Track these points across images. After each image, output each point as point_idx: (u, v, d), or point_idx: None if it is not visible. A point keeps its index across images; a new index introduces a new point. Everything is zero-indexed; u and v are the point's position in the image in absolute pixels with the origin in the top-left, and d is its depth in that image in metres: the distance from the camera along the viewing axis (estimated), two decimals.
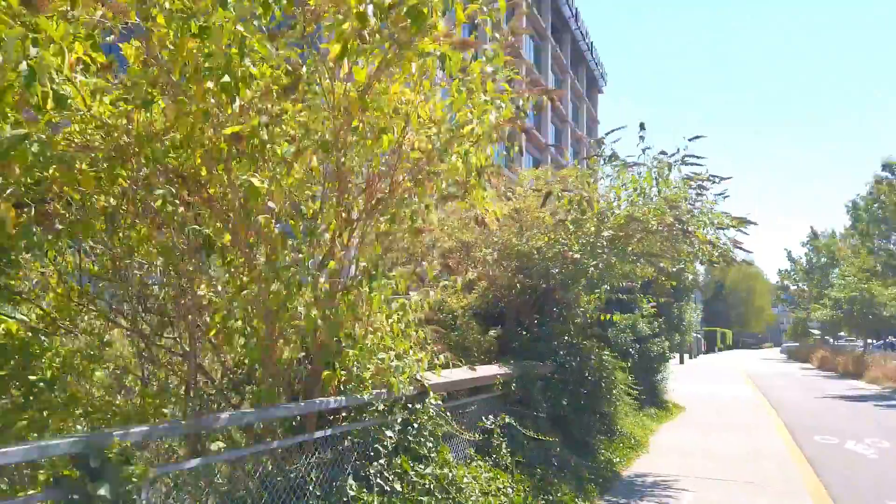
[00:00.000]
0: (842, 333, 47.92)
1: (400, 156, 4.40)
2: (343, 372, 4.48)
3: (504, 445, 6.67)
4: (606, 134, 9.20)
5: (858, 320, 32.95)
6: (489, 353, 8.66)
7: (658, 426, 13.21)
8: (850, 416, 15.92)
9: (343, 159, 4.20)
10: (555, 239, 8.94)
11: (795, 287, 52.50)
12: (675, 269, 10.01)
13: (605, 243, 8.57)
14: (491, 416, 6.82)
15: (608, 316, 11.59)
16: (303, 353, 4.37)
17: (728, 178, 8.96)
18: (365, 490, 4.35)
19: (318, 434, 4.35)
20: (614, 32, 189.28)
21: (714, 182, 8.78)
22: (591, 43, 58.74)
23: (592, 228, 8.62)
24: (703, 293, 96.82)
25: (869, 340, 43.21)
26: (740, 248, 9.09)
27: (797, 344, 57.87)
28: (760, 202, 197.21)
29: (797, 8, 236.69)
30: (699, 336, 74.17)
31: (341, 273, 4.27)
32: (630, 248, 8.78)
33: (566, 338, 9.60)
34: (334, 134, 4.05)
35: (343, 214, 4.35)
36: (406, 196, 4.41)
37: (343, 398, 4.44)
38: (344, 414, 4.67)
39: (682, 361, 44.31)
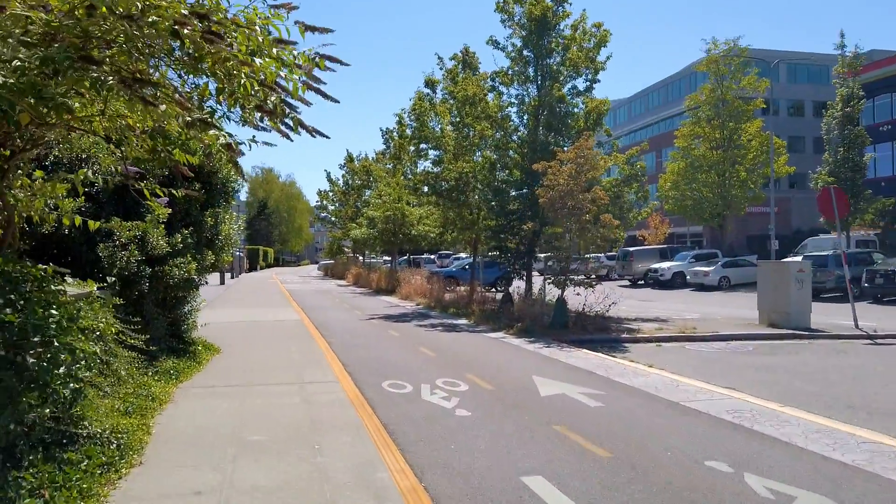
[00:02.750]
0: (371, 254, 50.37)
1: None
2: None
3: None
4: None
5: (391, 238, 33.49)
6: None
7: (173, 390, 8.48)
8: (404, 345, 13.81)
9: None
10: None
11: (333, 207, 53.11)
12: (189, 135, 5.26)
13: None
14: None
15: (99, 222, 6.42)
16: None
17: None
18: None
19: None
20: None
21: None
22: None
23: None
24: (248, 211, 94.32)
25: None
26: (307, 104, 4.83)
27: (333, 262, 59.37)
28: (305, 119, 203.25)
29: None
30: (242, 254, 71.22)
31: None
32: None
33: None
34: None
35: None
36: None
37: None
38: None
39: (222, 282, 40.10)
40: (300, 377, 9.71)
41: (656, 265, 36.32)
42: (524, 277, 19.68)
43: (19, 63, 3.38)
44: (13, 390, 3.92)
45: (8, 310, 4.13)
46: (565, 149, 15.96)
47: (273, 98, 4.34)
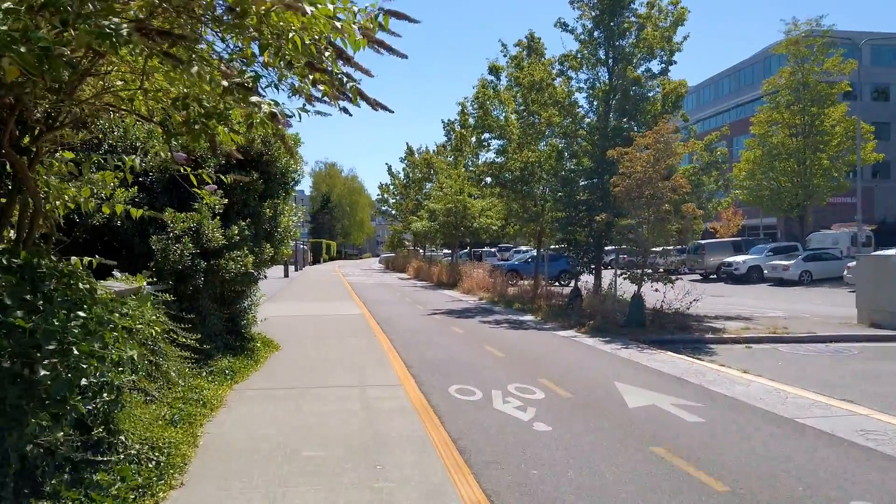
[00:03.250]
0: (431, 247, 49.78)
1: None
2: None
3: None
4: None
5: (452, 230, 32.68)
6: None
7: (227, 393, 7.88)
8: (469, 342, 12.96)
9: None
10: None
11: (394, 200, 52.75)
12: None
13: None
14: None
15: (141, 210, 5.83)
16: None
17: None
18: None
19: None
20: None
21: None
22: None
23: None
24: (312, 205, 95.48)
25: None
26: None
27: (393, 255, 59.12)
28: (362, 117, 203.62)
29: None
30: (305, 247, 72.03)
31: None
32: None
33: None
34: None
35: None
36: None
37: None
38: None
39: (286, 274, 40.27)
40: (361, 378, 8.99)
41: (730, 258, 34.26)
42: (592, 272, 18.49)
43: (10, 5, 2.65)
44: (19, 409, 3.24)
45: (19, 312, 3.46)
46: (641, 135, 14.73)
47: (328, 54, 3.51)
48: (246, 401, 7.63)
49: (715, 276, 35.13)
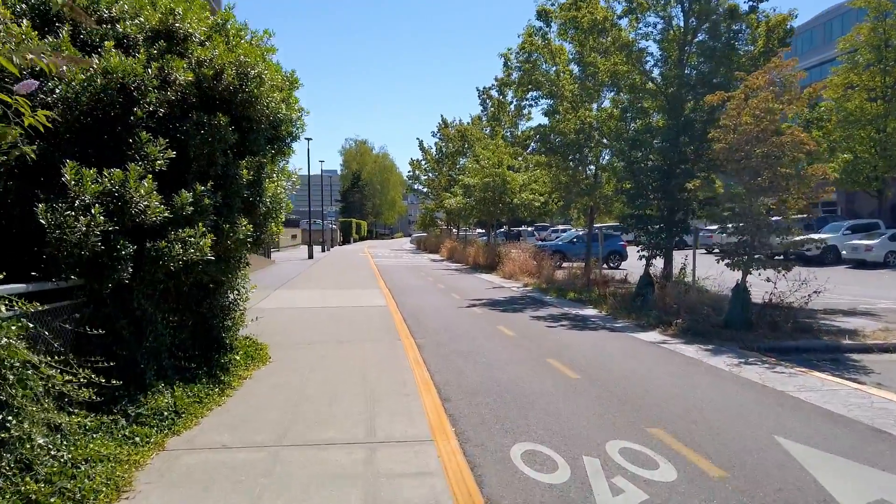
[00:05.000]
0: (463, 227, 46.33)
1: None
2: None
3: None
4: None
5: (490, 207, 29.14)
6: None
7: (146, 461, 4.70)
8: (526, 354, 9.66)
9: None
10: None
11: (426, 177, 49.37)
12: None
13: None
14: None
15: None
16: None
17: None
18: None
19: None
20: None
21: None
22: None
23: None
24: (342, 183, 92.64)
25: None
26: None
27: (426, 234, 55.91)
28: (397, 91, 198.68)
29: None
30: (335, 227, 69.28)
31: None
32: None
33: None
34: None
35: None
36: None
37: None
38: None
39: (310, 255, 37.36)
40: (370, 424, 5.73)
41: (797, 238, 30.10)
42: (661, 254, 14.84)
43: None
44: None
45: None
46: (750, 76, 11.02)
47: None
48: (171, 482, 4.43)
49: (781, 256, 31.05)
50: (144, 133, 6.03)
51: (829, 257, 28.49)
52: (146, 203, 5.73)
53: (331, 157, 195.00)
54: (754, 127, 10.21)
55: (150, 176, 5.79)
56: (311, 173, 42.79)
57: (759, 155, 10.24)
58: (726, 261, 11.05)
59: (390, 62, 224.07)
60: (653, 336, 10.55)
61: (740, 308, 10.72)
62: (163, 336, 6.41)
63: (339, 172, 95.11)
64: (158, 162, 6.06)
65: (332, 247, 57.31)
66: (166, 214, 5.97)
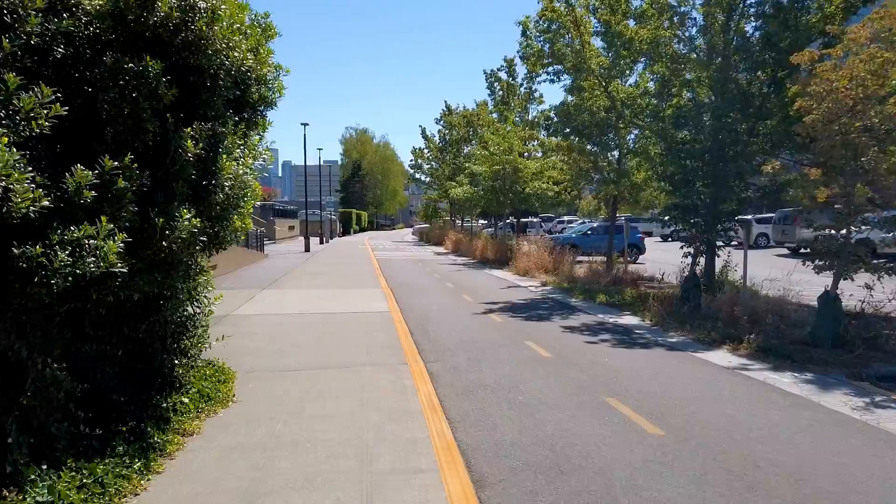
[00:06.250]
0: (468, 218, 44.06)
1: None
2: None
3: None
4: None
5: (499, 197, 26.87)
6: None
7: None
8: (573, 387, 7.49)
9: None
10: None
11: (429, 166, 47.02)
12: None
13: None
14: None
15: None
16: None
17: None
18: None
19: None
20: None
21: None
22: None
23: None
24: (342, 173, 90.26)
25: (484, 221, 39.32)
26: None
27: (428, 225, 53.69)
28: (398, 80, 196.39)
29: None
30: (334, 217, 67.04)
31: None
32: None
33: None
34: None
35: None
36: None
37: None
38: None
39: (307, 248, 35.10)
40: None
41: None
42: (701, 251, 12.56)
43: None
44: None
45: None
46: (858, 24, 8.73)
47: None
48: None
49: (809, 250, 28.75)
50: (12, 76, 3.80)
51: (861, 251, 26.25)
52: (4, 184, 3.51)
53: (331, 146, 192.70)
54: (853, 94, 7.96)
55: (7, 140, 3.56)
56: (308, 162, 40.46)
57: (856, 130, 8.00)
58: (817, 261, 8.85)
59: (392, 50, 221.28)
60: (723, 357, 8.35)
61: (831, 321, 8.51)
62: (53, 387, 4.20)
63: (339, 162, 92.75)
64: (39, 122, 3.85)
65: (332, 238, 55.12)
66: (45, 203, 3.75)
